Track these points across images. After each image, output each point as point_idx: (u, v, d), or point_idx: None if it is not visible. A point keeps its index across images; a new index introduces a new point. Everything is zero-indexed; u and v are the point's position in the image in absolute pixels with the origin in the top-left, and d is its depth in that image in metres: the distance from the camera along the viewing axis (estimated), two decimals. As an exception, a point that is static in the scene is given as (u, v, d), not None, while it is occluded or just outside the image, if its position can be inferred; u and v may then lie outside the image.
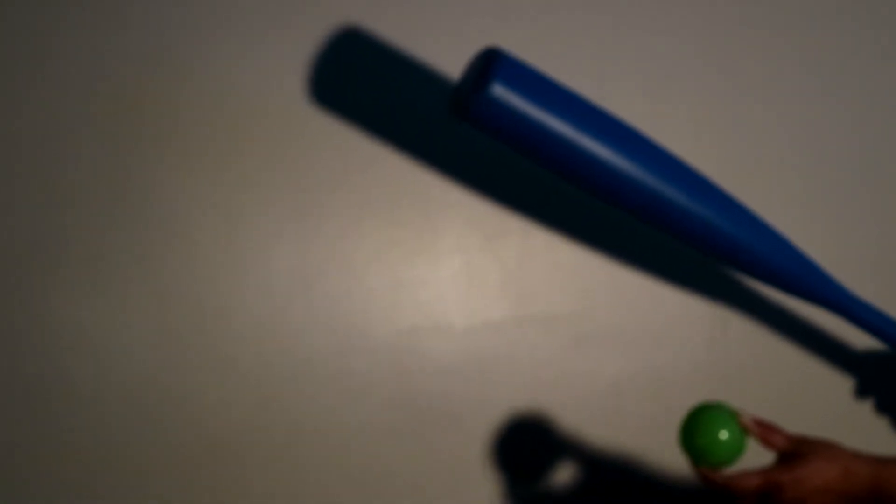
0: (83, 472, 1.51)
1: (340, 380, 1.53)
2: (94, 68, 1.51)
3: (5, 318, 1.50)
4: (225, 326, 1.52)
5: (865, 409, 1.60)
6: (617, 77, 1.58)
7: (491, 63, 1.27)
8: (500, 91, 1.26)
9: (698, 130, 1.59)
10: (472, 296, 1.55)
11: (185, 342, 1.51)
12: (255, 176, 1.53)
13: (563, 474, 1.56)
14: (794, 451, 1.16)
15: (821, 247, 1.60)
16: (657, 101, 1.58)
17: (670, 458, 1.57)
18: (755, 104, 1.60)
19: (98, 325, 1.51)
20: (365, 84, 1.55)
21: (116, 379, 1.51)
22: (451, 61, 1.55)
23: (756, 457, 1.53)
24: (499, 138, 1.29)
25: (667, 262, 1.58)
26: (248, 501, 1.53)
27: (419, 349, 1.54)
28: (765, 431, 1.18)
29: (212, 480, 1.52)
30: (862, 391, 1.59)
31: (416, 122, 1.55)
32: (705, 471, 1.16)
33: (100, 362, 1.51)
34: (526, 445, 1.55)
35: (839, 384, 1.60)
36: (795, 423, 1.57)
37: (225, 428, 1.52)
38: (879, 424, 1.60)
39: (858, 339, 1.60)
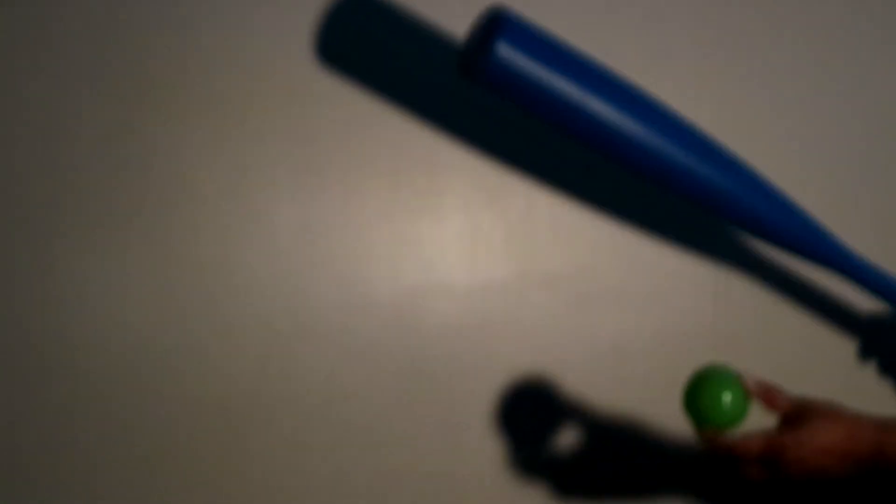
0: (83, 432, 1.51)
1: (342, 338, 1.53)
2: (100, 26, 1.50)
3: (8, 277, 1.50)
4: (227, 285, 1.52)
5: (868, 371, 1.60)
6: (619, 39, 1.56)
7: (495, 23, 1.26)
8: (504, 51, 1.25)
9: (699, 88, 1.58)
10: (475, 255, 1.55)
11: (186, 300, 1.51)
12: (259, 134, 1.52)
13: (566, 434, 1.56)
14: (797, 413, 1.16)
15: (823, 207, 1.60)
16: (658, 61, 1.57)
17: (673, 419, 1.57)
18: (757, 60, 1.59)
19: (101, 283, 1.50)
20: (370, 42, 1.53)
21: (118, 336, 1.51)
22: (457, 18, 1.54)
23: (759, 422, 1.54)
24: (505, 98, 1.29)
25: (671, 220, 1.57)
26: (249, 460, 1.53)
27: (422, 308, 1.54)
28: (767, 394, 1.17)
29: (213, 438, 1.52)
30: (865, 353, 1.59)
31: (422, 80, 1.54)
32: (708, 434, 1.16)
33: (102, 319, 1.50)
34: (528, 405, 1.56)
35: (843, 346, 1.60)
36: (798, 384, 1.57)
37: (227, 386, 1.52)
38: (882, 386, 1.61)
39: (862, 300, 1.59)
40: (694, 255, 1.57)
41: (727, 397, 1.16)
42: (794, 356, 1.58)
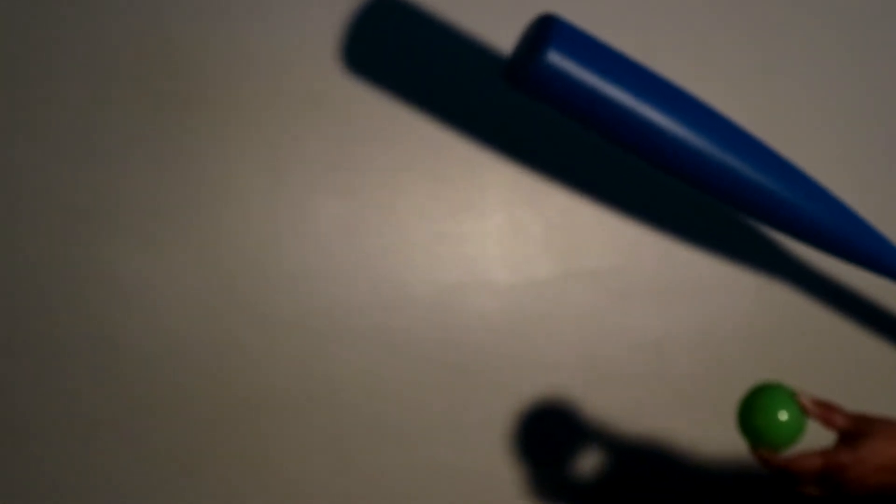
0: (122, 428, 1.51)
1: (382, 335, 1.53)
2: (143, 29, 1.48)
3: (47, 276, 1.49)
4: (265, 283, 1.51)
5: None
6: (662, 42, 1.54)
7: (546, 30, 1.24)
8: (555, 58, 1.22)
9: (742, 93, 1.56)
10: (515, 252, 1.54)
11: (224, 298, 1.51)
12: (299, 130, 1.51)
13: (606, 430, 1.56)
14: (855, 429, 1.13)
15: (875, 210, 1.59)
16: (699, 64, 1.55)
17: (713, 415, 1.57)
18: (795, 64, 1.57)
19: (139, 281, 1.50)
20: (412, 37, 1.51)
21: (156, 334, 1.50)
22: (498, 17, 1.52)
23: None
24: (555, 106, 1.26)
25: (711, 218, 1.56)
26: (288, 453, 1.53)
27: (462, 305, 1.54)
28: (824, 411, 1.15)
29: (250, 436, 1.53)
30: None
31: (464, 77, 1.52)
32: (764, 453, 1.15)
33: (140, 317, 1.50)
34: (569, 401, 1.56)
35: (883, 345, 1.59)
36: (838, 382, 1.57)
37: (264, 383, 1.52)
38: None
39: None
40: (734, 253, 1.56)
41: (783, 416, 1.13)
42: (834, 354, 1.58)
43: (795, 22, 1.57)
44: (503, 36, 1.53)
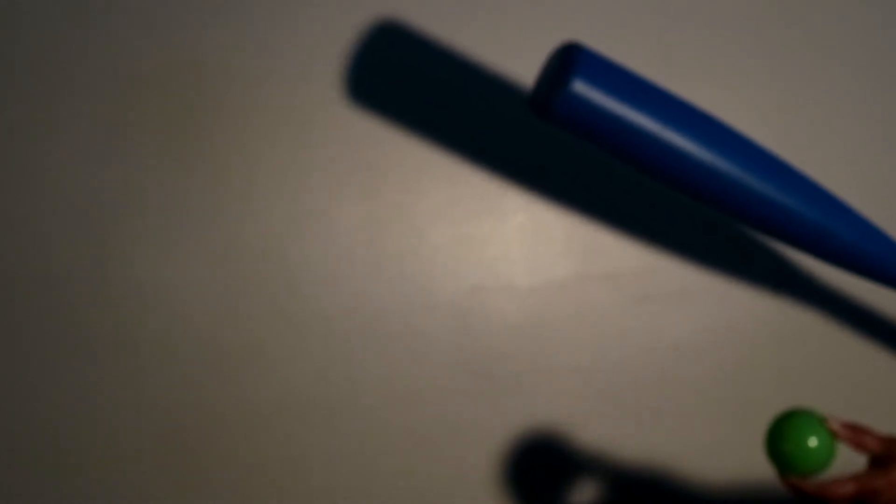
0: (142, 429, 1.51)
1: (403, 337, 1.52)
2: (168, 39, 1.46)
3: (86, 272, 1.48)
4: (287, 285, 1.50)
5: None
6: (683, 64, 1.53)
7: (570, 59, 1.20)
8: (581, 88, 1.19)
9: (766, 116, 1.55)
10: (536, 254, 1.53)
11: (246, 300, 1.50)
12: (320, 134, 1.49)
13: (625, 433, 1.56)
14: (888, 452, 1.11)
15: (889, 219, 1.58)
16: (721, 87, 1.54)
17: (733, 419, 1.57)
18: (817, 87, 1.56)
19: (162, 283, 1.49)
20: (435, 43, 1.50)
21: (178, 336, 1.50)
22: (519, 22, 1.50)
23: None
24: (582, 136, 1.23)
25: (731, 221, 1.55)
26: (309, 455, 1.53)
27: (483, 307, 1.53)
28: (856, 435, 1.12)
29: (274, 433, 1.53)
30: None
31: (484, 81, 1.51)
32: (794, 480, 1.12)
33: (162, 318, 1.50)
34: (589, 404, 1.56)
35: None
36: (859, 387, 1.57)
37: (286, 386, 1.52)
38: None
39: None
40: (753, 256, 1.56)
41: (813, 442, 1.11)
42: (853, 357, 1.58)
43: (812, 30, 1.55)
44: (523, 41, 1.52)
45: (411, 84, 1.50)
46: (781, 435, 1.12)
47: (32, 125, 1.48)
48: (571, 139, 1.52)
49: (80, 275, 1.49)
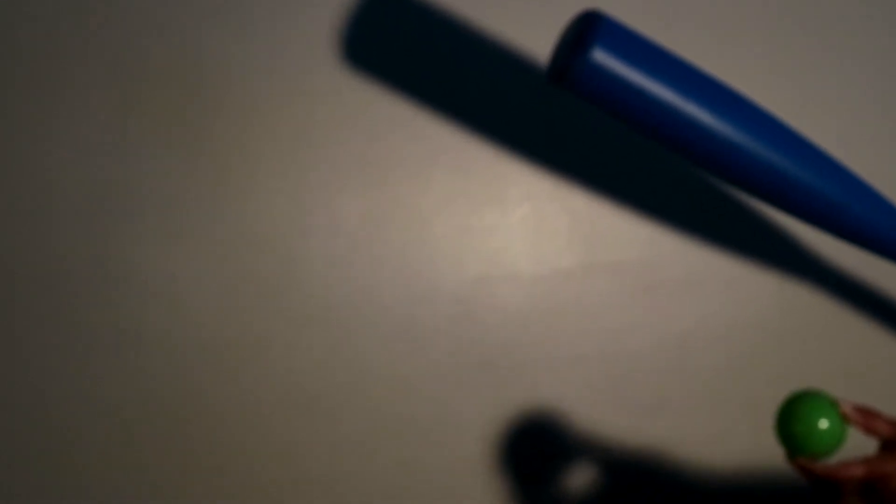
0: (144, 424, 1.51)
1: (408, 328, 1.52)
2: (171, 33, 1.46)
3: (89, 267, 1.48)
4: (290, 277, 1.50)
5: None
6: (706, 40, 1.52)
7: (590, 27, 1.20)
8: (600, 56, 1.19)
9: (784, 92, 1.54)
10: (540, 244, 1.53)
11: (249, 292, 1.50)
12: (323, 127, 1.49)
13: (632, 423, 1.56)
14: None
15: None
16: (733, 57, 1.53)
17: (739, 410, 1.57)
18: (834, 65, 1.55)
19: (164, 276, 1.49)
20: (436, 33, 1.49)
21: (188, 326, 1.49)
22: (525, 10, 1.50)
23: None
24: (599, 105, 1.23)
25: (737, 210, 1.55)
26: (313, 447, 1.53)
27: (487, 298, 1.52)
28: (867, 419, 1.11)
29: (277, 425, 1.52)
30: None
31: (487, 71, 1.50)
32: (803, 462, 1.11)
33: (164, 312, 1.49)
34: (593, 395, 1.55)
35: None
36: (867, 377, 1.57)
37: (292, 374, 1.51)
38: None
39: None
40: (759, 246, 1.55)
41: (824, 424, 1.10)
42: (861, 348, 1.57)
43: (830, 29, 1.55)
44: (529, 31, 1.51)
45: (413, 77, 1.50)
46: (792, 416, 1.12)
47: (33, 123, 1.48)
48: (574, 131, 1.52)
49: (82, 271, 1.48)
